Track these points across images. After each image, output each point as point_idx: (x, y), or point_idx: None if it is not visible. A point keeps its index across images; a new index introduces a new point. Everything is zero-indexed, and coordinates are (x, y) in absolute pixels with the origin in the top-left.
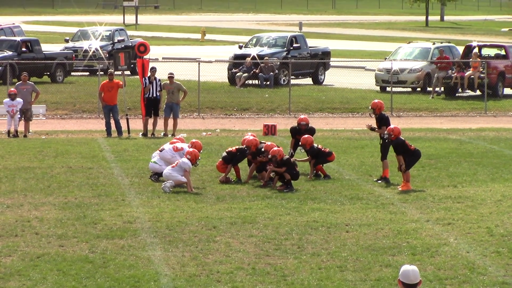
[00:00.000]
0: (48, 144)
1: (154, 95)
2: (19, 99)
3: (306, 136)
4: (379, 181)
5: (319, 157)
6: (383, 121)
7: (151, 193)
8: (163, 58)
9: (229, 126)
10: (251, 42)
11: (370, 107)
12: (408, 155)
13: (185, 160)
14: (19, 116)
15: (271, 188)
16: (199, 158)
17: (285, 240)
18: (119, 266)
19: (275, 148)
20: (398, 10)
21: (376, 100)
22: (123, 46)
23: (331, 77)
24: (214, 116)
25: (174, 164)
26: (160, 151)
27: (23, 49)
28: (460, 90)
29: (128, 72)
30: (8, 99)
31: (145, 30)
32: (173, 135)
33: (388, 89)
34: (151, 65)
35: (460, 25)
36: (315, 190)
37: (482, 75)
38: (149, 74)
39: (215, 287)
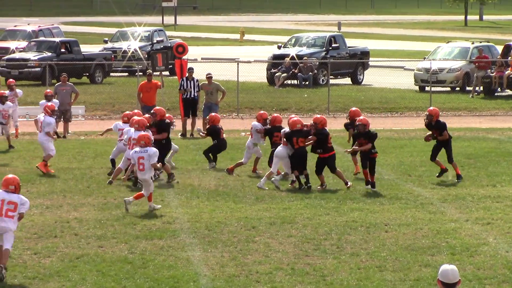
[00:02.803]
0: (87, 145)
1: (192, 95)
2: (55, 100)
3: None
4: (458, 180)
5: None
6: (441, 127)
7: (190, 193)
8: (202, 59)
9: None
10: (290, 42)
11: (428, 113)
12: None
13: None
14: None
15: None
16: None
17: (324, 240)
18: (158, 266)
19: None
20: (437, 10)
21: (431, 108)
22: (162, 46)
23: (370, 77)
24: (253, 116)
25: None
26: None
27: (62, 50)
28: (499, 89)
29: (166, 73)
30: (44, 101)
31: (184, 30)
32: None
33: (427, 88)
34: (189, 65)
35: (499, 25)
36: (354, 190)
37: None
38: (187, 74)
39: (254, 287)
